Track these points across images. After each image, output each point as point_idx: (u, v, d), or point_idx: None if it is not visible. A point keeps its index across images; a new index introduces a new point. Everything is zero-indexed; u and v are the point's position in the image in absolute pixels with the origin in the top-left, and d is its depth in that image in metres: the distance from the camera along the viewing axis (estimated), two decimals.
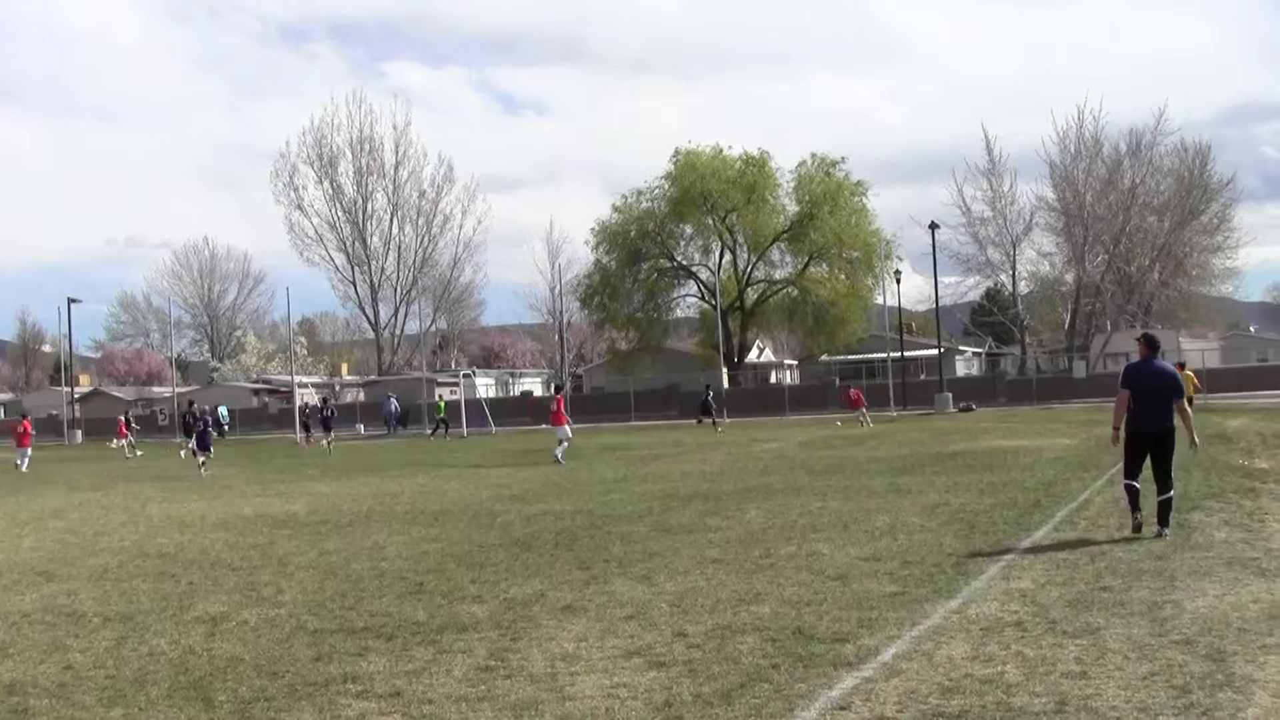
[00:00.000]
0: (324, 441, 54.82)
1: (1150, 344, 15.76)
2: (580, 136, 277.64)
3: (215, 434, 67.11)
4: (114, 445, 58.16)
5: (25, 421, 49.18)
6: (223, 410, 77.84)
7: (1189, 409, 16.55)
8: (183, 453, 48.98)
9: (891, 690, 8.24)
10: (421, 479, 31.19)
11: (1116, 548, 13.89)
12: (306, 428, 63.00)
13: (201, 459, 36.71)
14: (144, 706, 8.71)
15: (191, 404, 60.64)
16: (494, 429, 68.65)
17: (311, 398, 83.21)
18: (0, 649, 11.01)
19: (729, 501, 21.52)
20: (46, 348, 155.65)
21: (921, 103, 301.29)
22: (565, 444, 36.31)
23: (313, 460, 44.52)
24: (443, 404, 66.41)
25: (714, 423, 58.34)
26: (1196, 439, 16.21)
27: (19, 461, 44.74)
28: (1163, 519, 14.96)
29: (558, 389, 39.62)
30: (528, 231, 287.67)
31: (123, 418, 60.79)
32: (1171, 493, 15.17)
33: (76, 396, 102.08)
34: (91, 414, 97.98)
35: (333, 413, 58.32)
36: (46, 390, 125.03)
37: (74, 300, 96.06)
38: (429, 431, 59.50)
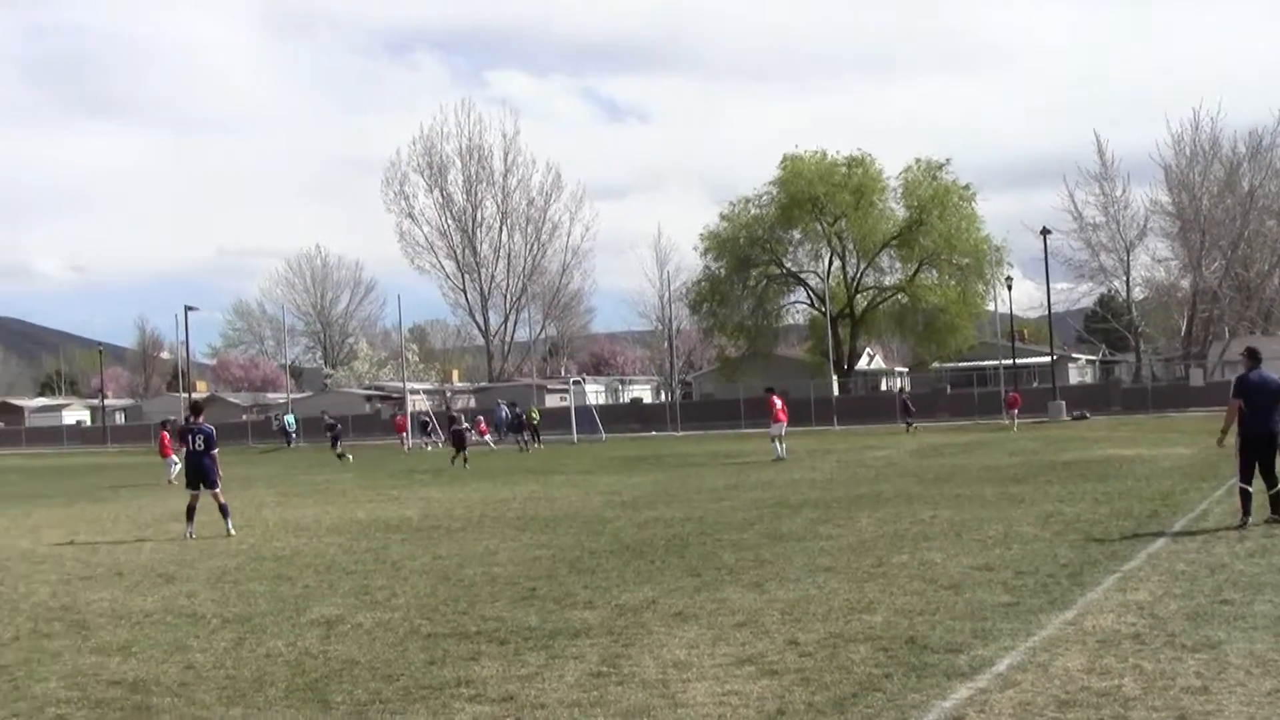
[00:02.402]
0: (428, 447, 55.44)
1: (1253, 356, 17.47)
2: (683, 143, 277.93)
3: (283, 443, 68.29)
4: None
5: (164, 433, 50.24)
6: (289, 419, 78.64)
7: None
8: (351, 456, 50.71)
9: (1006, 702, 8.17)
10: (533, 485, 31.32)
11: (1238, 560, 13.66)
12: (425, 428, 63.79)
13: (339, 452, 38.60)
14: (262, 707, 8.84)
15: (325, 413, 61.54)
16: (604, 436, 68.78)
17: (422, 404, 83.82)
18: (124, 648, 11.22)
19: (840, 509, 21.44)
20: (165, 354, 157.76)
21: (1028, 107, 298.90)
22: (778, 442, 38.00)
23: (429, 465, 44.87)
24: (536, 412, 66.39)
25: (909, 426, 58.84)
26: None
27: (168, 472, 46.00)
28: (1275, 509, 16.53)
29: (770, 390, 40.12)
30: (634, 238, 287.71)
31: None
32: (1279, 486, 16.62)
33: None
34: (208, 420, 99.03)
35: (434, 420, 59.20)
36: (164, 396, 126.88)
37: (191, 308, 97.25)
38: (522, 439, 59.55)
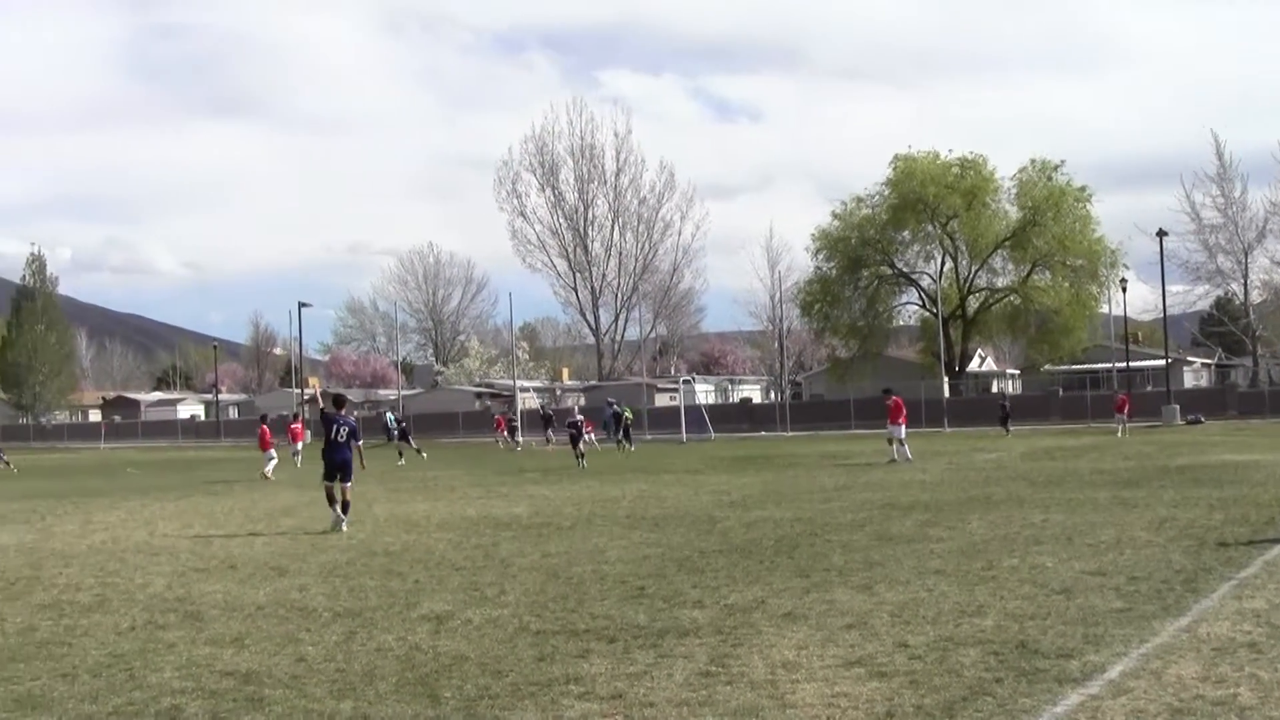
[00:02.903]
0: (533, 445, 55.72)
1: None
2: (794, 142, 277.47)
3: (387, 438, 69.19)
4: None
5: (296, 425, 50.91)
6: (390, 417, 79.65)
7: None
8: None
9: (1119, 709, 8.08)
10: (641, 484, 31.37)
11: None
12: (541, 424, 64.17)
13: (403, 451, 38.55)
14: (373, 700, 8.92)
15: (386, 411, 61.73)
16: (713, 435, 68.76)
17: (532, 401, 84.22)
18: (237, 640, 11.37)
19: (950, 512, 21.29)
20: (277, 350, 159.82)
21: (1140, 107, 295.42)
22: (902, 445, 37.82)
23: (535, 461, 45.10)
24: (628, 411, 66.06)
25: (1005, 429, 58.56)
26: None
27: (293, 458, 46.96)
28: None
29: (888, 391, 39.75)
30: (744, 238, 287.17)
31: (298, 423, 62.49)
32: None
33: (305, 398, 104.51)
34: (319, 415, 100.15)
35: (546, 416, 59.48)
36: (277, 392, 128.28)
37: (304, 304, 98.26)
38: (616, 440, 59.57)
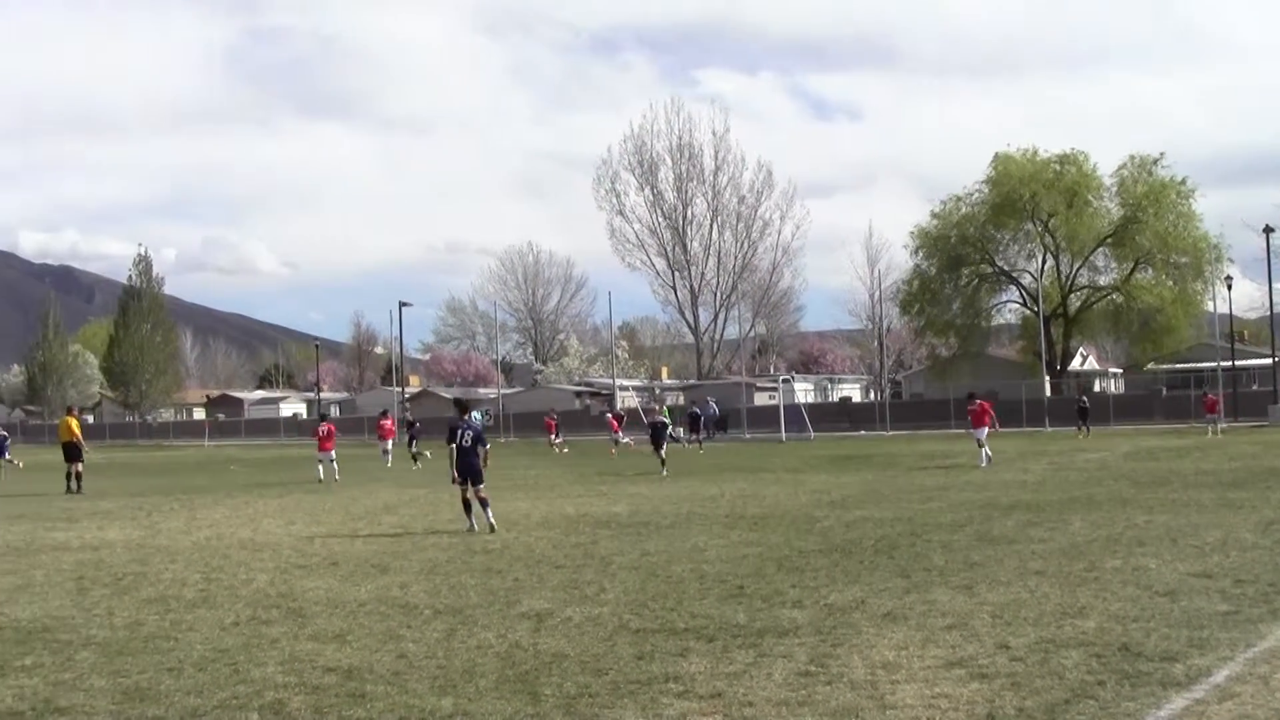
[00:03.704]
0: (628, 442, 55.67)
1: None
2: (893, 140, 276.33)
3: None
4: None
5: (386, 422, 51.10)
6: (475, 416, 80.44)
7: None
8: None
9: (1224, 714, 7.99)
10: (740, 483, 31.34)
11: None
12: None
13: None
14: (473, 697, 8.98)
15: (406, 411, 61.13)
16: (812, 434, 68.58)
17: (632, 400, 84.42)
18: (339, 636, 11.49)
19: (1051, 512, 21.12)
20: (378, 349, 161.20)
21: (1243, 101, 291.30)
22: (981, 447, 37.04)
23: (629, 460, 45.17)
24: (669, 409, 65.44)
25: (1081, 429, 57.86)
26: None
27: (382, 456, 47.39)
28: None
29: (972, 396, 39.04)
30: (843, 236, 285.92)
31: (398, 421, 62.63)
32: None
33: (406, 396, 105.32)
34: (420, 414, 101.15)
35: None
36: (378, 390, 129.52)
37: (405, 304, 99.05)
38: (698, 439, 59.40)
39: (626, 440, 56.50)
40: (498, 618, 12.21)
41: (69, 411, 40.63)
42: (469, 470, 21.49)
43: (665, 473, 35.99)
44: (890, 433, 71.75)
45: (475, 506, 21.15)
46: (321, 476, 37.12)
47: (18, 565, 17.89)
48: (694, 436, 60.26)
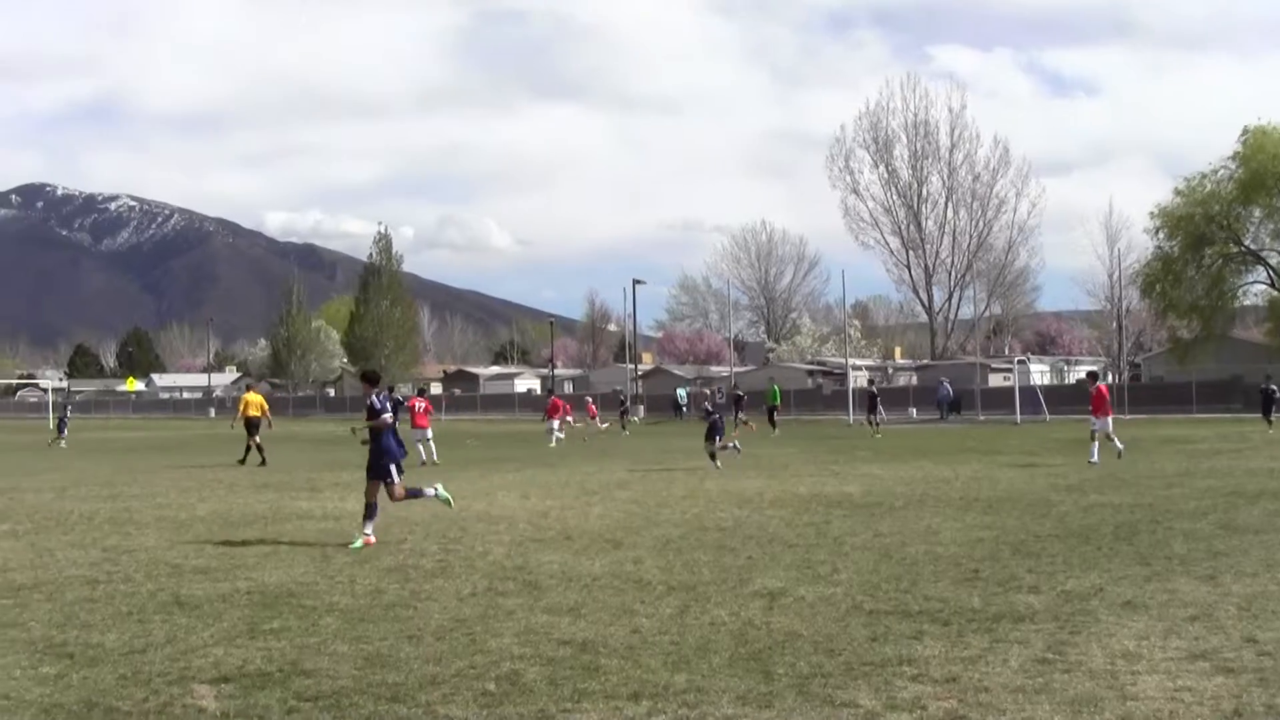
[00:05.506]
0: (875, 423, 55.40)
1: None
2: (1133, 116, 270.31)
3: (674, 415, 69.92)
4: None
5: (555, 399, 51.19)
6: (681, 392, 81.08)
7: None
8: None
9: None
10: (975, 465, 30.96)
11: None
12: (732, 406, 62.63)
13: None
14: (706, 674, 9.00)
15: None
16: (1047, 417, 67.45)
17: (862, 380, 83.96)
18: (573, 609, 11.61)
19: None
20: (612, 327, 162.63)
21: None
22: (1110, 439, 32.12)
23: (864, 443, 44.95)
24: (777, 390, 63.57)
25: (1269, 420, 55.69)
26: None
27: (547, 434, 47.86)
28: None
29: (1092, 375, 34.52)
30: (1080, 215, 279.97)
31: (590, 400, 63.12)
32: None
33: (639, 374, 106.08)
34: (653, 390, 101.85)
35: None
36: (611, 367, 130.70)
37: (639, 281, 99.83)
38: (873, 421, 58.13)
39: (603, 425, 56.96)
40: (731, 595, 12.22)
41: (249, 389, 41.58)
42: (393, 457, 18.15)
43: (719, 465, 31.19)
44: (1129, 416, 70.12)
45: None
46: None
47: (265, 533, 18.45)
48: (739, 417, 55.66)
